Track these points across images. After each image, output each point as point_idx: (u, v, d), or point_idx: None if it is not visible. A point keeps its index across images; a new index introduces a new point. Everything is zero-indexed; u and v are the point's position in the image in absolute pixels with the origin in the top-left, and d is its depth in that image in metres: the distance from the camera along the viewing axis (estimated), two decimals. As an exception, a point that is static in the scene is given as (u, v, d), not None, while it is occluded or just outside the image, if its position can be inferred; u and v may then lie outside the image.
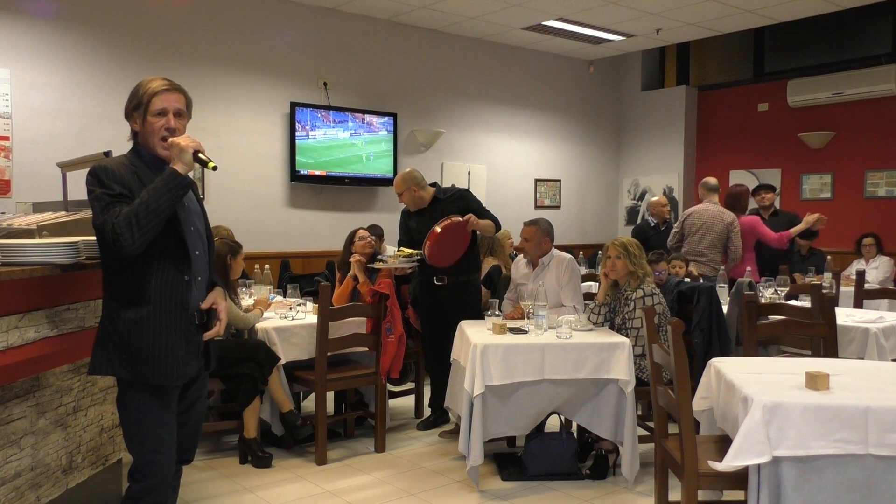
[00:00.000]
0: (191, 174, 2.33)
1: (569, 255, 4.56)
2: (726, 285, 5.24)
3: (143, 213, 2.18)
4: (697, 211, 6.19)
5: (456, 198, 4.77)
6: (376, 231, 6.44)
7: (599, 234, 9.74)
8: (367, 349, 4.41)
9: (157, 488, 2.36)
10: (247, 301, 4.64)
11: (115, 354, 2.30)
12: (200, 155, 2.31)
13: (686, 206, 8.63)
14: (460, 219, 4.54)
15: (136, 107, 2.37)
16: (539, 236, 4.50)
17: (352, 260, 4.82)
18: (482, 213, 4.72)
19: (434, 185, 4.95)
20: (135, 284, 2.29)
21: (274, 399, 4.14)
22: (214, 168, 2.34)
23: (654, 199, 7.54)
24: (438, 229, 4.46)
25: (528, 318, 4.08)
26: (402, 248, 4.72)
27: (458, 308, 4.62)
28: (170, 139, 2.33)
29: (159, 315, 2.29)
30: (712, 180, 6.36)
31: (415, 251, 4.58)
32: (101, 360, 2.33)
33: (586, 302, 4.49)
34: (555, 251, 4.55)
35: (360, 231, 4.97)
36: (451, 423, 4.74)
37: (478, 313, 4.66)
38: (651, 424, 3.86)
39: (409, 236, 4.86)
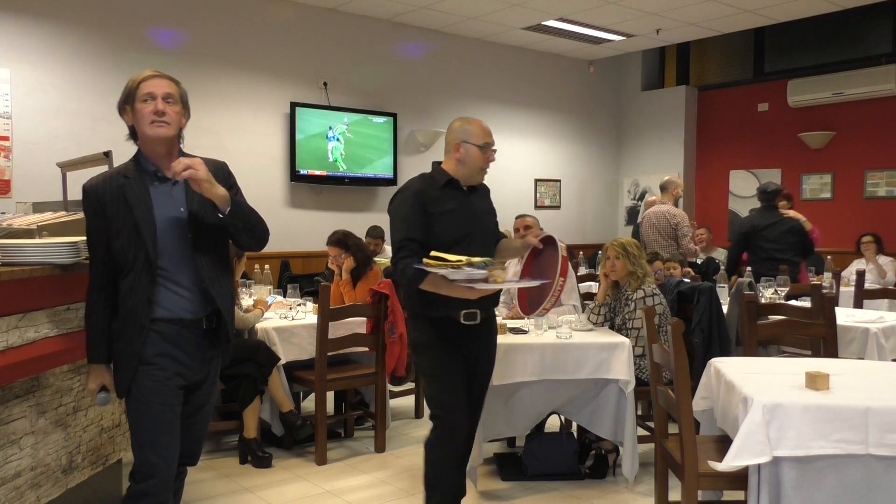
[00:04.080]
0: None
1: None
2: (726, 285, 5.25)
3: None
4: (647, 214, 6.37)
5: (487, 193, 3.21)
6: (377, 233, 6.45)
7: (599, 234, 9.74)
8: (367, 349, 4.41)
9: (158, 489, 2.36)
10: (247, 301, 4.64)
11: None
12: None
13: (686, 205, 8.63)
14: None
15: (126, 98, 2.36)
16: (538, 226, 4.57)
17: (338, 265, 4.75)
18: None
19: None
20: (119, 295, 2.36)
21: (274, 399, 4.14)
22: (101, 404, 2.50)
23: (651, 198, 7.59)
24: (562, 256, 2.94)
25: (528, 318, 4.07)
26: (441, 255, 2.73)
27: (491, 353, 3.16)
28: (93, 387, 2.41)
29: (121, 329, 2.33)
30: (664, 180, 6.48)
31: (474, 258, 2.70)
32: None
33: (586, 302, 4.49)
34: None
35: (329, 248, 4.72)
36: None
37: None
38: (651, 424, 3.86)
39: (425, 232, 2.88)
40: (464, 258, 2.70)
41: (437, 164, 3.06)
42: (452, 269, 2.68)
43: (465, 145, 2.98)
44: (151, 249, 2.27)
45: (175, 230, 2.32)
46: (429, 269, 2.71)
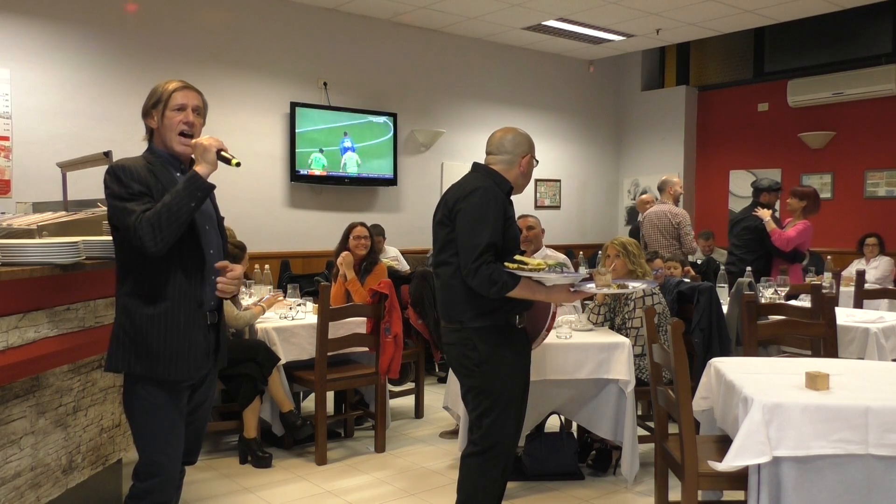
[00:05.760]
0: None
1: (563, 256, 4.59)
2: (726, 285, 5.25)
3: (165, 216, 2.19)
4: (647, 214, 6.38)
5: None
6: (377, 230, 6.45)
7: (599, 234, 9.74)
8: (367, 349, 4.41)
9: (162, 488, 2.36)
10: (246, 301, 4.64)
11: (132, 350, 2.30)
12: (223, 153, 2.31)
13: (686, 205, 8.63)
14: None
15: (156, 104, 2.39)
16: (540, 226, 4.65)
17: (339, 262, 4.76)
18: None
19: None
20: (153, 281, 2.30)
21: (274, 399, 4.14)
22: (238, 164, 2.33)
23: (644, 196, 7.61)
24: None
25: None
26: (523, 259, 2.74)
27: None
28: (193, 140, 2.33)
29: (177, 312, 2.30)
30: (660, 180, 6.48)
31: (549, 261, 2.73)
32: (118, 357, 2.33)
33: (585, 302, 4.49)
34: (548, 250, 4.59)
35: (359, 228, 4.82)
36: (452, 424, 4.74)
37: None
38: (651, 424, 3.86)
39: (518, 240, 2.92)
40: (542, 262, 2.61)
41: (487, 167, 2.91)
42: (553, 273, 2.53)
43: (529, 158, 2.95)
44: (187, 233, 2.31)
45: (194, 219, 2.35)
46: (523, 273, 2.58)
